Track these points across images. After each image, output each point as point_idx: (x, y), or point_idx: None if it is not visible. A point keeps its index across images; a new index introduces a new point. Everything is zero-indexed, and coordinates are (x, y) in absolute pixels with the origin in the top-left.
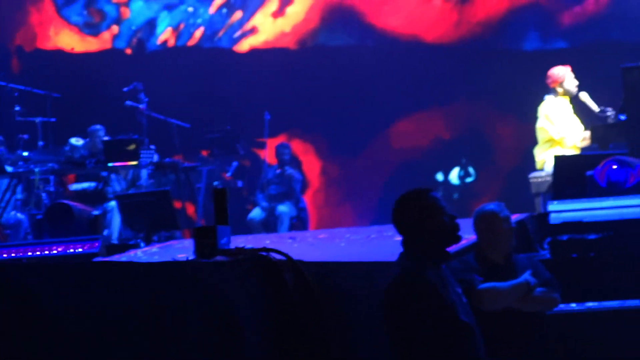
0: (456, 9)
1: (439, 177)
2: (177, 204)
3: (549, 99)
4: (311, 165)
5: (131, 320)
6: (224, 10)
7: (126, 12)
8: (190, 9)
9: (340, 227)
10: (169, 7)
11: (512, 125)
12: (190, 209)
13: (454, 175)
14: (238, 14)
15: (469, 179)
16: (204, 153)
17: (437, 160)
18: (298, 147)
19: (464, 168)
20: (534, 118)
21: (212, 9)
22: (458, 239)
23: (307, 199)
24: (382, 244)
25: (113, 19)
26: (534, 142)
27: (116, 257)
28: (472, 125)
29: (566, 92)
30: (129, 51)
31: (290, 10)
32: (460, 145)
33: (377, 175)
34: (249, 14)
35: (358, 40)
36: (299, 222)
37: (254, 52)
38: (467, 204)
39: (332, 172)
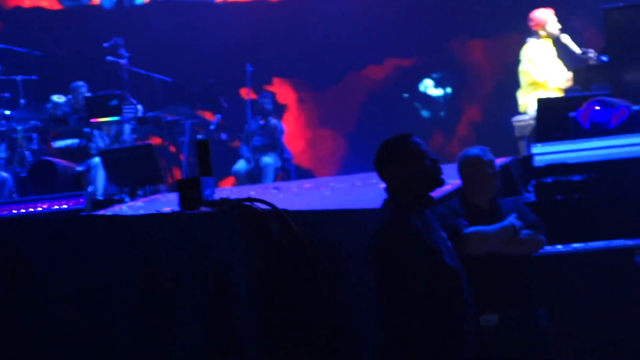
0: None
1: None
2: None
3: (531, 42)
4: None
5: (124, 273)
6: None
7: None
8: None
9: (325, 177)
10: None
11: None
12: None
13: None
14: None
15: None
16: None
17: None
18: (281, 92)
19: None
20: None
21: None
22: (441, 182)
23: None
24: (367, 191)
25: None
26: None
27: (101, 213)
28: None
29: (549, 35)
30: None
31: None
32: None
33: (352, 100)
34: None
35: None
36: (284, 173)
37: (233, 4)
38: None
39: (310, 103)
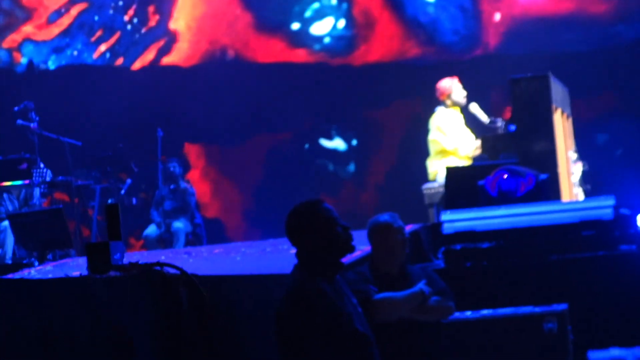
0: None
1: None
2: (71, 224)
3: (439, 110)
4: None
5: (20, 336)
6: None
7: (18, 57)
8: (75, 53)
9: (235, 242)
10: (57, 51)
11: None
12: (86, 231)
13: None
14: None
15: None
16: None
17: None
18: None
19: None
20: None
21: (96, 55)
22: (352, 249)
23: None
24: (278, 257)
25: (6, 62)
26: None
27: (9, 276)
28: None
29: (455, 103)
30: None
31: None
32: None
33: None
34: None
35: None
36: (195, 238)
37: (144, 69)
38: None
39: (216, 161)
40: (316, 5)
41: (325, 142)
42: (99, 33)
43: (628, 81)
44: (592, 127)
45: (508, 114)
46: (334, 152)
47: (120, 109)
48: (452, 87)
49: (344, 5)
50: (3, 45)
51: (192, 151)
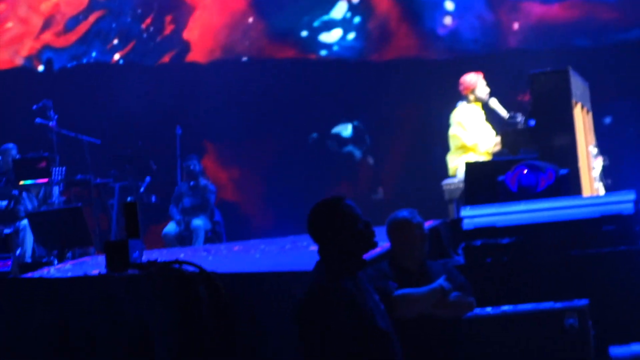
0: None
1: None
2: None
3: (461, 105)
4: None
5: (39, 335)
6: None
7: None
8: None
9: (255, 240)
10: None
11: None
12: (104, 225)
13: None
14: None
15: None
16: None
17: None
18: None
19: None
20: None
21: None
22: (374, 245)
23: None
24: (297, 254)
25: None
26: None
27: (29, 275)
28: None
29: (478, 99)
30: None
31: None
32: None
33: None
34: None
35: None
36: (214, 236)
37: (164, 66)
38: None
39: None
40: (329, 16)
41: (340, 130)
42: (115, 40)
43: None
44: (613, 122)
45: (527, 97)
46: (350, 147)
47: (139, 107)
48: (477, 82)
49: (357, 19)
50: (22, 54)
51: (209, 148)
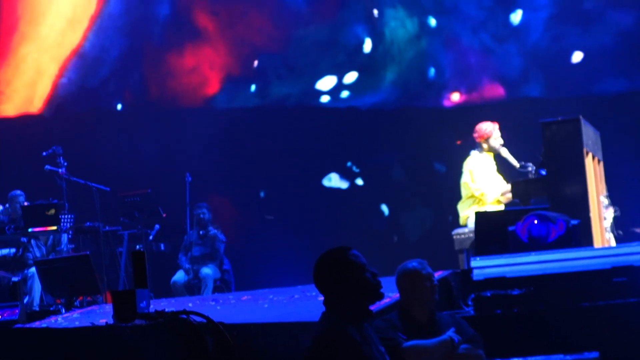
0: None
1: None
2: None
3: (473, 154)
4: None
5: None
6: None
7: None
8: None
9: (264, 289)
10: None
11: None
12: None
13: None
14: None
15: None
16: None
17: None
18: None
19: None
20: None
21: None
22: (381, 296)
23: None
24: (306, 304)
25: None
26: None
27: (36, 324)
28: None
29: (491, 149)
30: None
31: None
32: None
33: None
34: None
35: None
36: (223, 284)
37: (175, 111)
38: None
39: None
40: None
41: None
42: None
43: None
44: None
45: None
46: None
47: (147, 153)
48: (492, 131)
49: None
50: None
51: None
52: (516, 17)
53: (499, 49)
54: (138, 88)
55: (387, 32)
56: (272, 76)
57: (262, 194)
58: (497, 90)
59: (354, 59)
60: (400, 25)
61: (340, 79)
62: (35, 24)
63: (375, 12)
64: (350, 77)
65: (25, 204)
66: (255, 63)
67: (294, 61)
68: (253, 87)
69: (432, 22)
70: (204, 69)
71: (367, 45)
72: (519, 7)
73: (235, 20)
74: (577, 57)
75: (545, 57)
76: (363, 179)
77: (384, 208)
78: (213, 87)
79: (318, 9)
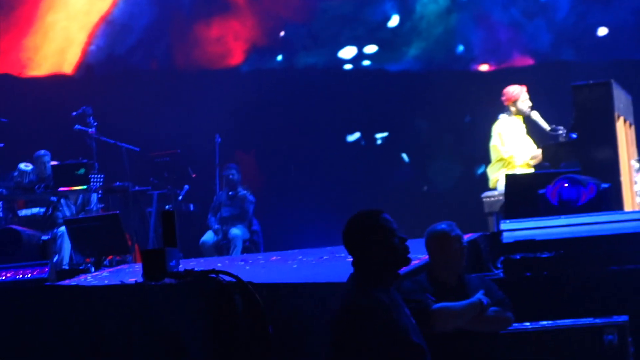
0: None
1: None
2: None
3: (502, 117)
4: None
5: (77, 342)
6: None
7: None
8: None
9: (292, 250)
10: None
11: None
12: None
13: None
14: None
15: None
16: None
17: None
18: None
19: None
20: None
21: None
22: (408, 261)
23: None
24: (335, 265)
25: None
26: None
27: (66, 282)
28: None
29: (519, 112)
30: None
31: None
32: None
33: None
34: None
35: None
36: (252, 245)
37: (203, 72)
38: None
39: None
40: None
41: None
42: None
43: None
44: None
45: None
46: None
47: (178, 114)
48: (520, 94)
49: None
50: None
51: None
52: None
53: (528, 25)
54: (165, 57)
55: (418, 7)
56: (299, 46)
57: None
58: (527, 62)
59: (375, 34)
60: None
61: (360, 49)
62: None
63: None
64: (370, 49)
65: (53, 163)
66: (282, 34)
67: (317, 32)
68: (280, 57)
69: None
70: (229, 40)
71: (393, 21)
72: None
73: None
74: (602, 31)
75: (573, 33)
76: (389, 138)
77: (405, 157)
78: (237, 57)
79: None
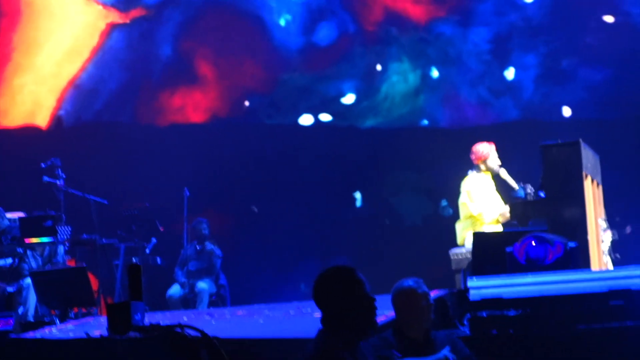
0: None
1: None
2: (95, 282)
3: (471, 174)
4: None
5: None
6: None
7: None
8: None
9: (259, 304)
10: None
11: None
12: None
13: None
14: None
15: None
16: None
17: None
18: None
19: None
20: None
21: None
22: (375, 325)
23: None
24: (301, 320)
25: None
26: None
27: (30, 334)
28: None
29: (488, 169)
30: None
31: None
32: None
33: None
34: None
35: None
36: (219, 299)
37: (173, 127)
38: None
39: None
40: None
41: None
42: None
43: None
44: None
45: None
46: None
47: (147, 167)
48: (489, 153)
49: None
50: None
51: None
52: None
53: (495, 103)
54: (130, 119)
55: (384, 87)
56: (263, 115)
57: (255, 210)
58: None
59: (329, 106)
60: (402, 79)
61: (316, 117)
62: (31, 55)
63: (379, 67)
64: (325, 117)
65: (19, 214)
66: (247, 103)
67: (278, 102)
68: None
69: (435, 73)
70: (188, 111)
71: (348, 99)
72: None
73: (231, 67)
74: (567, 112)
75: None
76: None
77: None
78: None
79: (310, 58)
